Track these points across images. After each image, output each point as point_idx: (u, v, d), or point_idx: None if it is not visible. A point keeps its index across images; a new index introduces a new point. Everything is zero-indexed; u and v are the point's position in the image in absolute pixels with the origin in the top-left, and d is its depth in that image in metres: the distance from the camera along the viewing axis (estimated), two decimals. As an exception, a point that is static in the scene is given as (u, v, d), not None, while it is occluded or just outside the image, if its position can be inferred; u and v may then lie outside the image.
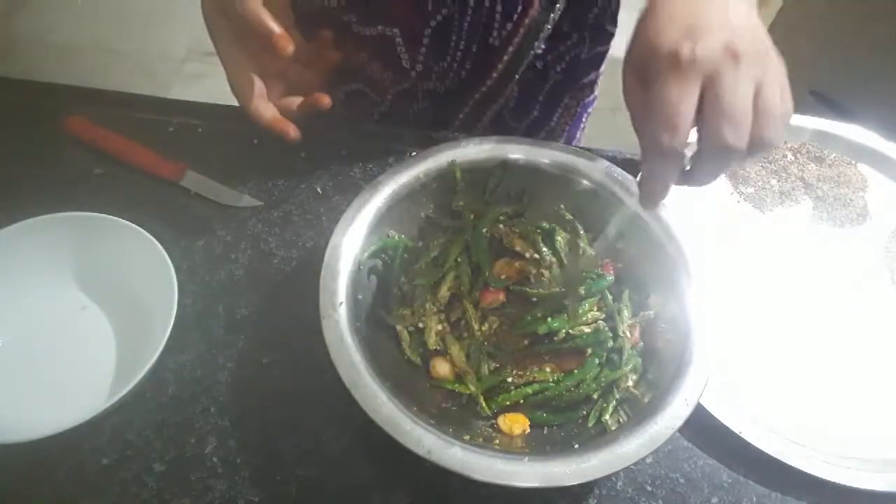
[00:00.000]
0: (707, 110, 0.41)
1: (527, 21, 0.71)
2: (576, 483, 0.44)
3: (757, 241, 0.71)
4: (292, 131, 0.58)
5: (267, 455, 0.54)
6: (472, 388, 0.54)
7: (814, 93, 1.35)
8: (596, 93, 0.90)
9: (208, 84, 1.90)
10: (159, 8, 2.19)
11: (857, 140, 0.78)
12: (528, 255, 0.60)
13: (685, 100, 0.41)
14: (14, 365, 0.58)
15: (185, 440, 0.55)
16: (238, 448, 0.54)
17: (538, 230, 0.60)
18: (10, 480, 0.52)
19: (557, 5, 0.71)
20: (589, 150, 0.62)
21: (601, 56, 0.84)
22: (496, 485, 0.44)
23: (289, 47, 0.53)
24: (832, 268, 0.69)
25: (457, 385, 0.54)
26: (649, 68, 0.43)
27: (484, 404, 0.53)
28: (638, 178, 0.52)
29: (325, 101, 0.59)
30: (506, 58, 0.74)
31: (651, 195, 0.47)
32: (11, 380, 0.57)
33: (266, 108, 0.56)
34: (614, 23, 0.81)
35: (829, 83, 1.33)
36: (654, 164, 0.45)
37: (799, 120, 0.79)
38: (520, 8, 0.69)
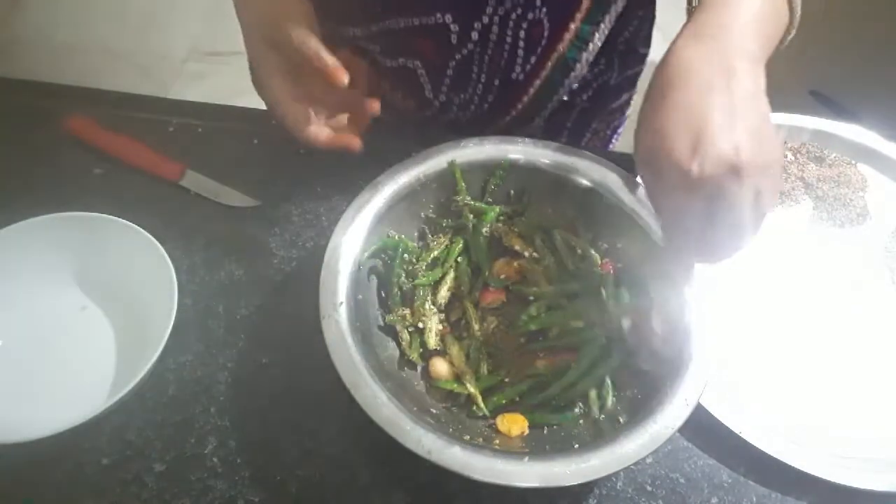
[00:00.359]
0: (714, 224, 0.43)
1: (554, 56, 0.70)
2: (576, 483, 0.44)
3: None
4: (356, 143, 0.59)
5: (267, 455, 0.54)
6: (471, 389, 0.54)
7: (814, 93, 1.35)
8: (627, 113, 0.88)
9: (208, 84, 1.90)
10: (159, 8, 2.19)
11: (857, 140, 0.78)
12: (527, 253, 0.60)
13: (693, 214, 0.44)
14: (14, 365, 0.58)
15: (185, 440, 0.55)
16: (238, 448, 0.54)
17: (537, 229, 0.60)
18: (10, 480, 0.52)
19: (591, 43, 0.70)
20: (589, 150, 0.62)
21: (633, 78, 0.82)
22: (496, 485, 0.44)
23: (344, 78, 0.54)
24: (832, 268, 0.69)
25: (455, 385, 0.54)
26: (661, 172, 0.44)
27: (482, 404, 0.53)
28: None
29: (376, 107, 0.59)
30: (531, 90, 0.73)
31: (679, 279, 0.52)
32: (11, 380, 0.57)
33: (321, 131, 0.57)
34: (647, 44, 0.79)
35: (829, 83, 1.33)
36: (673, 262, 0.51)
37: (799, 120, 0.79)
38: (544, 42, 0.69)
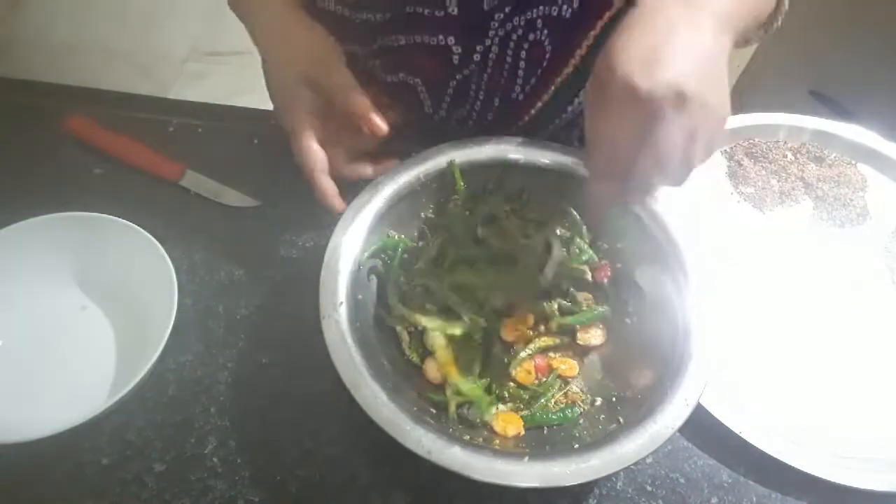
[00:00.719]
0: (643, 149, 0.44)
1: (558, 80, 0.70)
2: (576, 483, 0.44)
3: (757, 241, 0.71)
4: (340, 208, 0.58)
5: (267, 455, 0.54)
6: (451, 399, 0.53)
7: (814, 93, 1.35)
8: None
9: (208, 84, 1.90)
10: (159, 8, 2.19)
11: (857, 140, 0.78)
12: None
13: (628, 135, 0.44)
14: (14, 365, 0.58)
15: (185, 440, 0.55)
16: (238, 448, 0.55)
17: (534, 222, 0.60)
18: (10, 480, 0.52)
19: None
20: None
21: None
22: (496, 485, 0.44)
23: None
24: (832, 268, 0.69)
25: (441, 395, 0.53)
26: (608, 85, 0.44)
27: (453, 411, 0.52)
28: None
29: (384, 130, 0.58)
30: (532, 111, 0.73)
31: (592, 213, 0.54)
32: (11, 380, 0.57)
33: (330, 184, 0.56)
34: None
35: (829, 83, 1.33)
36: (594, 184, 0.50)
37: (799, 120, 0.79)
38: (545, 64, 0.69)
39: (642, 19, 0.45)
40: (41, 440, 0.49)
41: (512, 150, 0.61)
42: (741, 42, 0.54)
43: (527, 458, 0.45)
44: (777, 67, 1.38)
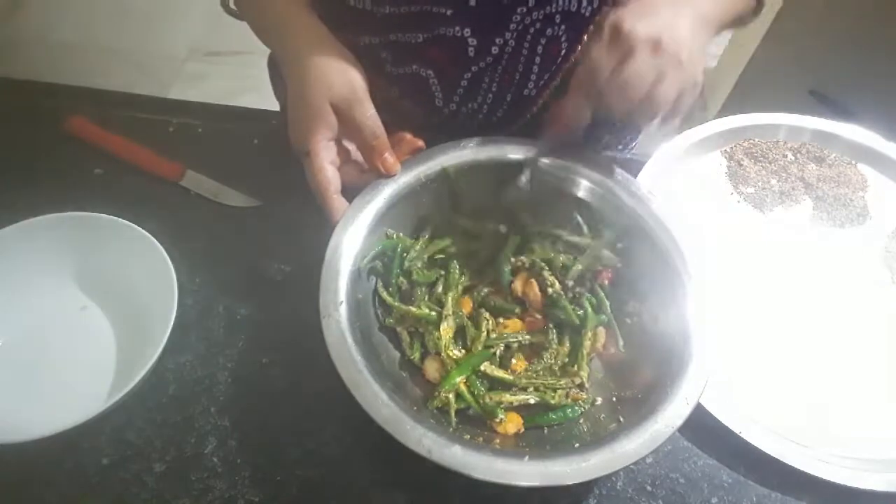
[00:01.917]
0: (613, 74, 0.52)
1: (566, 67, 0.70)
2: (577, 482, 0.44)
3: (757, 241, 0.71)
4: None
5: (267, 455, 0.54)
6: (446, 397, 0.53)
7: (814, 93, 1.35)
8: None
9: (208, 84, 1.90)
10: (159, 8, 2.19)
11: (858, 140, 0.78)
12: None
13: (605, 63, 0.52)
14: (14, 365, 0.58)
15: (185, 440, 0.55)
16: (238, 448, 0.55)
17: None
18: (10, 480, 0.52)
19: None
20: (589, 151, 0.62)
21: None
22: (496, 485, 0.44)
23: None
24: (832, 268, 0.69)
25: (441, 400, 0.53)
26: (602, 28, 0.53)
27: (453, 415, 0.52)
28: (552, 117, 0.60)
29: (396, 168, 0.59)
30: (540, 101, 0.73)
31: (557, 127, 0.58)
32: (11, 380, 0.57)
33: (342, 203, 0.56)
34: None
35: (829, 83, 1.33)
36: (570, 96, 0.56)
37: (799, 120, 0.79)
38: (559, 60, 0.69)
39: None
40: (41, 440, 0.49)
41: (512, 150, 0.61)
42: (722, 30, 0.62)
43: (527, 458, 0.45)
44: (777, 67, 1.38)
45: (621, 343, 0.57)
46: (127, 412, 0.55)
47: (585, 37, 0.68)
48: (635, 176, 0.59)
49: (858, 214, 0.73)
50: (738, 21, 0.65)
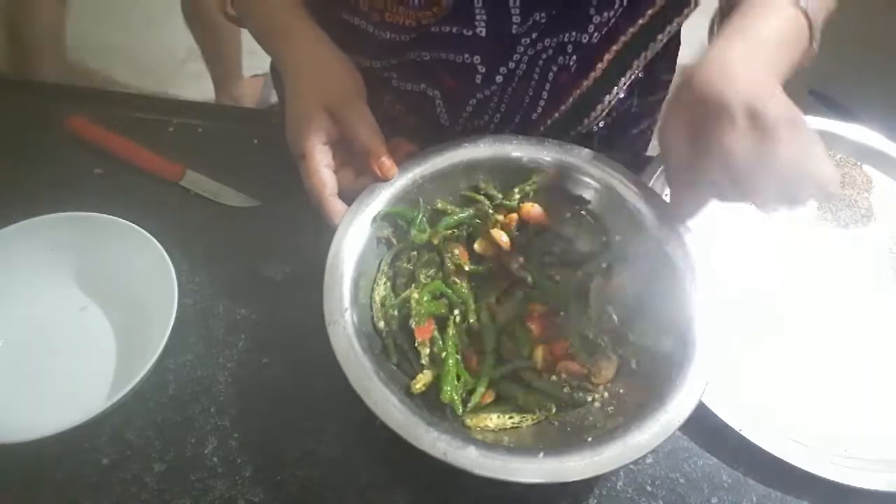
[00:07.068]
0: (761, 166, 0.47)
1: (577, 92, 0.70)
2: (594, 475, 0.45)
3: (760, 242, 0.71)
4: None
5: (267, 455, 0.54)
6: (451, 395, 0.53)
7: (814, 93, 1.35)
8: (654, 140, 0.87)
9: (208, 84, 1.90)
10: (159, 8, 2.19)
11: (863, 141, 0.78)
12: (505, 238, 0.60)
13: (747, 155, 0.47)
14: (14, 365, 0.58)
15: (185, 440, 0.55)
16: (238, 448, 0.54)
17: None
18: (10, 480, 0.52)
19: (623, 79, 0.69)
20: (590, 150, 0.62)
21: (655, 104, 0.81)
22: (497, 484, 0.44)
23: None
24: (836, 269, 0.69)
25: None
26: (706, 114, 0.48)
27: (458, 408, 0.52)
28: (669, 196, 0.58)
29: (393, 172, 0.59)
30: (549, 122, 0.72)
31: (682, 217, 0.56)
32: (11, 380, 0.57)
33: (339, 205, 0.56)
34: (671, 69, 0.78)
35: (829, 83, 1.33)
36: (673, 189, 0.55)
37: (802, 120, 0.79)
38: (570, 86, 0.69)
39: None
40: (41, 440, 0.49)
41: (512, 150, 0.61)
42: None
43: (542, 455, 0.45)
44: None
45: (634, 362, 0.56)
46: (127, 412, 0.55)
47: (663, 105, 0.65)
48: (637, 174, 0.59)
49: (863, 215, 0.73)
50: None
